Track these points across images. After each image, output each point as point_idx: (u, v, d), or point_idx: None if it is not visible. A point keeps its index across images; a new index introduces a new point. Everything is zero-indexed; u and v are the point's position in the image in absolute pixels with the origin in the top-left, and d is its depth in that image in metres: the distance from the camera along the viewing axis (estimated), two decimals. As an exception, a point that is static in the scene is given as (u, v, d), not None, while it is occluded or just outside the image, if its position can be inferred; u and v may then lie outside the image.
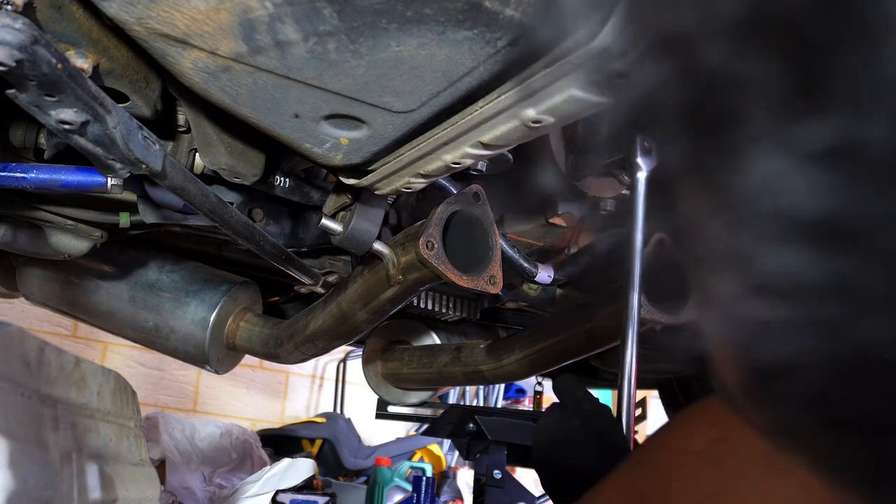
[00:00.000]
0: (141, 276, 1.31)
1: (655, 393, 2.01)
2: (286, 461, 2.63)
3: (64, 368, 1.09)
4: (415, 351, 1.49)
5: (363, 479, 3.47)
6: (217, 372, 1.34)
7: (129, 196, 1.02)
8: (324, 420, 3.83)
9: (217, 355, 1.31)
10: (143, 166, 0.69)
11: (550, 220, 1.26)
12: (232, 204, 0.91)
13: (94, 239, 1.14)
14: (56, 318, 3.29)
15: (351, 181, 0.83)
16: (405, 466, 2.85)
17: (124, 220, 1.06)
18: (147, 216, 1.01)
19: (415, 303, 1.43)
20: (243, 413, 4.10)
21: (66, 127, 0.61)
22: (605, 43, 0.49)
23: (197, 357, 1.30)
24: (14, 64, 0.52)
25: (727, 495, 0.41)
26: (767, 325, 0.29)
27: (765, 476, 0.39)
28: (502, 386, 4.15)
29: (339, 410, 4.16)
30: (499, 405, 4.18)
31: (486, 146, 0.67)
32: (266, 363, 4.08)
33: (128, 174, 0.71)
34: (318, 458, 3.59)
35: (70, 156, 0.83)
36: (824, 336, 0.27)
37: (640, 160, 1.01)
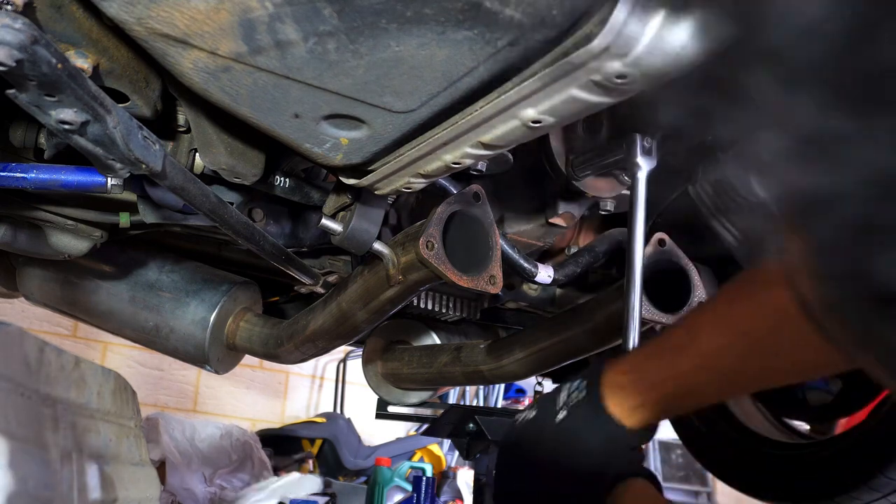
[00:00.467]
0: (141, 276, 1.31)
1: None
2: (296, 476, 2.86)
3: (64, 368, 1.09)
4: (415, 351, 1.49)
5: (363, 478, 3.48)
6: (217, 372, 1.34)
7: (129, 196, 1.02)
8: (324, 420, 3.83)
9: (217, 355, 1.31)
10: (143, 166, 0.69)
11: (550, 220, 1.25)
12: (232, 204, 0.91)
13: (94, 239, 1.14)
14: (56, 318, 3.29)
15: (351, 181, 0.83)
16: (405, 466, 2.85)
17: (124, 220, 1.06)
18: (147, 216, 1.01)
19: (415, 303, 1.42)
20: (243, 413, 4.10)
21: (66, 127, 0.61)
22: (605, 43, 0.49)
23: (197, 357, 1.30)
24: (14, 64, 0.52)
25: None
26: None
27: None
28: (502, 386, 4.16)
29: (339, 410, 4.17)
30: (499, 405, 4.18)
31: (486, 146, 0.67)
32: (266, 363, 4.08)
33: (128, 174, 0.71)
34: (318, 458, 3.59)
35: (70, 156, 0.83)
36: None
37: (639, 160, 1.01)
